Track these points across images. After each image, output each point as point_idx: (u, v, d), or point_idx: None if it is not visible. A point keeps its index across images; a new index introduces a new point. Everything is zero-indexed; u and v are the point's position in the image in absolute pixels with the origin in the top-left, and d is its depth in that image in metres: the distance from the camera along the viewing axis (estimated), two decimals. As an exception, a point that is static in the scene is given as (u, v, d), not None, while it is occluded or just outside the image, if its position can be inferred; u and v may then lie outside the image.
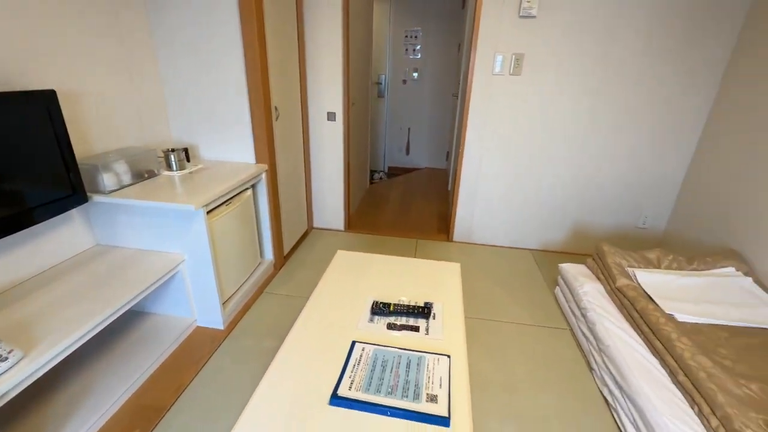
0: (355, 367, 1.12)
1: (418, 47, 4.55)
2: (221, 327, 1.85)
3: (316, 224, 3.07)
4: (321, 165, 2.87)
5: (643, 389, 1.28)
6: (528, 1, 2.23)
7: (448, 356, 1.17)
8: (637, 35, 2.24)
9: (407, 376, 1.09)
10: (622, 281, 1.75)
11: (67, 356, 1.55)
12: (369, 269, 1.70)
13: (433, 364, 1.14)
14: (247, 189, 2.04)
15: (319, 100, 2.68)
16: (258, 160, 2.11)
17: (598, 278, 1.92)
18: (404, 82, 4.74)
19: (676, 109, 2.37)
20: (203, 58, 1.97)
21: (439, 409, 0.98)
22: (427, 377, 1.08)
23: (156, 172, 1.88)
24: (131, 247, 1.76)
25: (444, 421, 0.95)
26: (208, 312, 1.84)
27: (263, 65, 1.95)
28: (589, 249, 2.79)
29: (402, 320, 1.35)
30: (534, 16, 2.28)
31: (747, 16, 2.11)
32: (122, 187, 1.68)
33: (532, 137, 2.57)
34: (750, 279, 1.76)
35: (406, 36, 4.54)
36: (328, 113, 2.70)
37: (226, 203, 1.84)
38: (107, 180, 1.61)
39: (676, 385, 1.29)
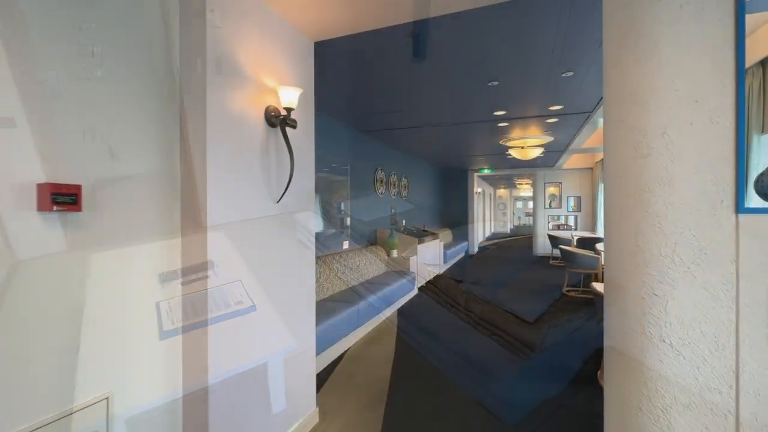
0: (170, 312, 1.37)
1: None
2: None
3: None
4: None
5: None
6: None
7: (240, 281, 1.61)
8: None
9: (216, 300, 1.45)
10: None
11: None
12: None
13: (230, 288, 1.55)
14: None
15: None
16: None
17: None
18: None
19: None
20: None
21: (246, 305, 1.44)
22: (231, 297, 1.49)
23: None
24: None
25: (252, 308, 1.43)
26: None
27: None
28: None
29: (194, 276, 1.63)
30: None
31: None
32: None
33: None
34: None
35: None
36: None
37: None
38: None
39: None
